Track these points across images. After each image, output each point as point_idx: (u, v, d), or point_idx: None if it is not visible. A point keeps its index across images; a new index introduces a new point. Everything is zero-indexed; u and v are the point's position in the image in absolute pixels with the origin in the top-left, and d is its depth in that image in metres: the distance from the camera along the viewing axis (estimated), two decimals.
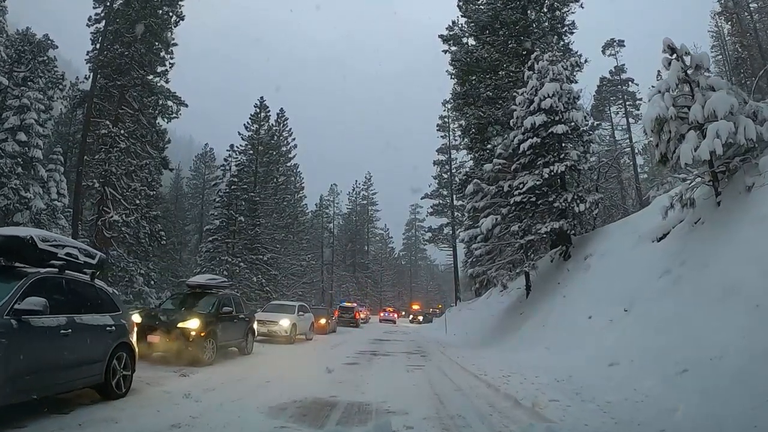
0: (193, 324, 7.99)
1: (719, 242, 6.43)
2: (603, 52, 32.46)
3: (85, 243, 19.24)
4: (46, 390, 4.26)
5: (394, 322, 35.88)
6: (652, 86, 8.39)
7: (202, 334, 8.02)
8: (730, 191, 7.18)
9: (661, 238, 8.62)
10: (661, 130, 7.42)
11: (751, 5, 25.08)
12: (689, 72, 7.69)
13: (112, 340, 5.14)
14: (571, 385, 5.96)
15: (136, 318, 8.13)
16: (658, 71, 28.64)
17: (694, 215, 7.65)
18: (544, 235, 13.19)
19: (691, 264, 6.66)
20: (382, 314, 38.84)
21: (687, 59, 7.75)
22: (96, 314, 5.05)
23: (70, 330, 4.49)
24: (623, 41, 32.57)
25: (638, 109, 31.97)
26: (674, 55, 7.77)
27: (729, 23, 26.83)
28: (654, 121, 7.31)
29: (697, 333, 5.22)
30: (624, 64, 32.54)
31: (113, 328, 5.19)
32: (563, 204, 12.70)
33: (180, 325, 7.97)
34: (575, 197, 12.78)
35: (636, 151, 28.92)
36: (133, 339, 5.70)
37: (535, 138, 13.08)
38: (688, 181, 7.90)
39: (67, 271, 4.84)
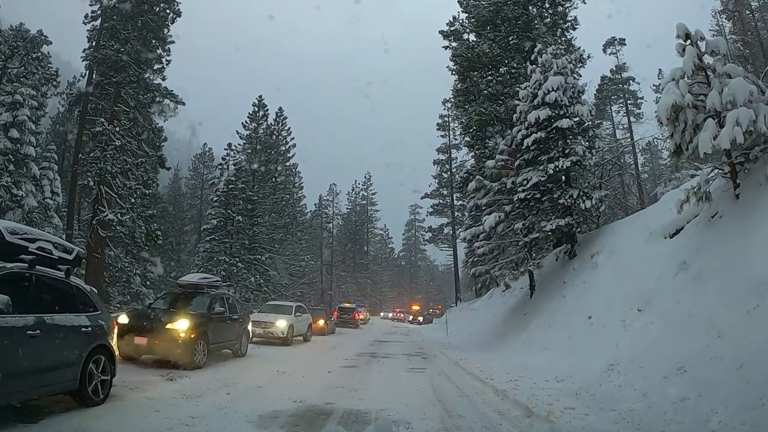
0: (182, 325, 7.59)
1: (740, 236, 6.03)
2: (604, 50, 32.09)
3: (81, 243, 19.07)
4: (10, 397, 3.85)
5: (402, 321, 43.50)
6: (660, 78, 8.01)
7: (192, 336, 7.62)
8: (749, 183, 6.78)
9: (674, 234, 8.21)
10: (676, 119, 7.02)
11: (752, 3, 24.77)
12: (704, 58, 7.31)
13: (89, 342, 4.74)
14: (586, 391, 5.55)
15: (123, 318, 7.77)
16: (660, 69, 28.45)
17: (710, 209, 7.25)
18: (549, 233, 12.77)
19: (711, 260, 6.25)
20: (392, 314, 48.20)
21: (702, 45, 7.36)
22: (70, 314, 4.65)
23: (38, 331, 4.08)
24: (624, 40, 32.20)
25: (639, 108, 31.66)
26: (688, 41, 7.38)
27: (730, 21, 26.52)
28: (670, 109, 6.90)
29: (728, 334, 4.81)
30: (625, 63, 32.20)
31: (89, 329, 4.79)
32: (569, 201, 12.30)
33: (169, 326, 7.58)
34: (581, 194, 12.39)
35: (638, 148, 28.62)
36: (113, 341, 5.29)
37: (539, 133, 12.68)
38: (705, 174, 7.49)
39: (37, 267, 4.44)
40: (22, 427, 3.91)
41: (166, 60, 23.38)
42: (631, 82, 31.96)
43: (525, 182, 12.70)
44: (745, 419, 3.61)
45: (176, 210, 41.62)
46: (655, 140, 25.85)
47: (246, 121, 33.08)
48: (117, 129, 20.57)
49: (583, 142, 12.96)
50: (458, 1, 22.38)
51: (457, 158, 40.17)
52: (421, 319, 41.62)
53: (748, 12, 25.19)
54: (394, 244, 65.18)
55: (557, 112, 12.55)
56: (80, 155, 21.19)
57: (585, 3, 20.76)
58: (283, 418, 4.66)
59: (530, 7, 20.39)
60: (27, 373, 3.96)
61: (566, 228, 12.44)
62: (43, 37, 23.46)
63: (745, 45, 24.95)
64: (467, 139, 24.20)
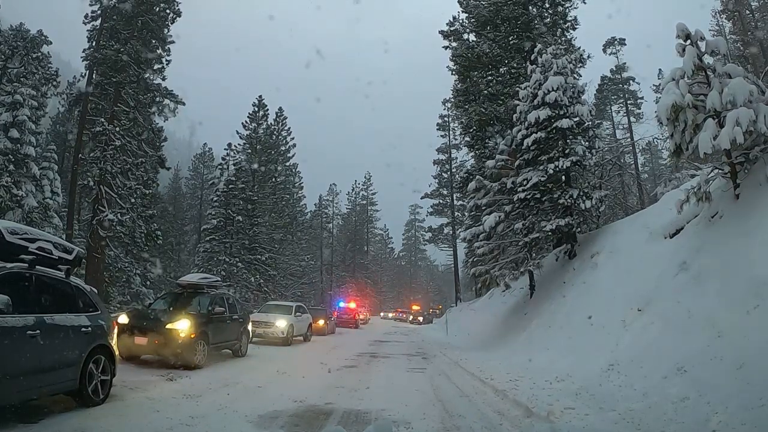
0: (182, 325, 7.60)
1: (740, 236, 6.03)
2: (604, 50, 32.06)
3: (81, 243, 19.06)
4: (10, 397, 3.85)
5: (405, 320, 43.76)
6: (660, 78, 8.02)
7: (192, 336, 7.62)
8: (749, 183, 6.78)
9: (674, 234, 8.21)
10: (676, 119, 7.02)
11: (752, 3, 24.77)
12: (704, 58, 7.31)
13: (89, 342, 4.74)
14: (586, 391, 5.55)
15: (123, 318, 7.77)
16: (660, 69, 28.44)
17: (710, 209, 7.25)
18: (549, 233, 12.78)
19: (711, 260, 6.25)
20: (394, 314, 49.02)
21: (702, 45, 7.36)
22: (70, 314, 4.65)
23: (38, 331, 4.09)
24: (624, 40, 32.17)
25: (639, 108, 31.67)
26: (688, 41, 7.39)
27: (730, 21, 26.51)
28: (670, 109, 6.91)
29: (728, 334, 4.81)
30: (625, 63, 32.18)
31: (89, 329, 4.79)
32: (569, 201, 12.30)
33: (169, 326, 7.58)
34: (581, 194, 12.39)
35: (638, 148, 28.62)
36: (113, 341, 5.29)
37: (539, 133, 12.69)
38: (705, 174, 7.50)
39: (37, 267, 4.44)
40: (22, 427, 3.91)
41: (166, 60, 23.40)
42: (631, 82, 31.94)
43: (525, 182, 12.70)
44: (745, 419, 3.61)
45: (176, 210, 41.64)
46: (655, 140, 25.83)
47: (246, 121, 33.11)
48: (117, 129, 20.57)
49: (583, 142, 12.96)
50: (458, 1, 22.38)
51: (457, 158, 40.21)
52: (421, 319, 41.68)
53: (748, 12, 25.18)
54: (394, 244, 65.26)
55: (557, 112, 12.55)
56: (80, 155, 21.19)
57: (585, 3, 20.78)
58: (283, 418, 4.66)
59: (530, 7, 20.40)
60: (27, 373, 3.96)
61: (566, 228, 12.44)
62: (43, 37, 23.47)
63: (745, 45, 24.94)
64: (467, 139, 24.19)
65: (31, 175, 18.97)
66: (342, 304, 30.32)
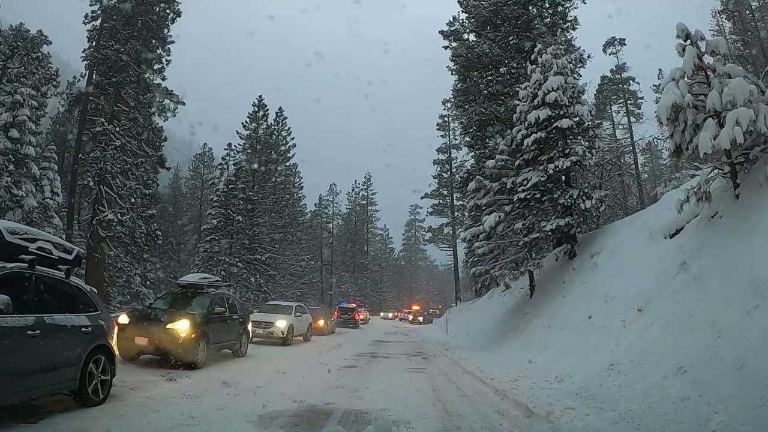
0: (182, 325, 7.60)
1: (741, 236, 6.04)
2: (604, 50, 32.08)
3: (81, 243, 19.04)
4: (10, 397, 3.85)
5: (408, 320, 44.69)
6: (660, 78, 8.01)
7: (192, 336, 7.62)
8: (749, 183, 6.78)
9: (674, 234, 8.21)
10: (676, 119, 7.02)
11: (752, 3, 24.79)
12: (704, 58, 7.31)
13: (88, 342, 4.74)
14: (586, 391, 5.55)
15: (123, 318, 7.77)
16: (660, 69, 28.45)
17: (710, 209, 7.25)
18: (549, 233, 12.78)
19: (711, 260, 6.25)
20: (400, 313, 50.70)
21: (702, 45, 7.36)
22: (70, 314, 4.65)
23: (38, 331, 4.08)
24: (624, 40, 32.18)
25: (639, 108, 31.69)
26: (688, 41, 7.39)
27: (730, 21, 26.51)
28: (670, 109, 6.91)
29: (728, 334, 4.80)
30: (625, 63, 32.19)
31: (89, 329, 4.78)
32: (569, 201, 12.30)
33: (169, 326, 7.58)
34: (581, 194, 12.39)
35: (638, 148, 28.63)
36: (113, 341, 5.29)
37: (539, 133, 12.69)
38: (705, 174, 7.50)
39: (37, 267, 4.44)
40: (22, 427, 3.91)
41: (166, 60, 23.42)
42: (631, 82, 31.94)
43: (525, 182, 12.70)
44: (745, 419, 3.61)
45: (176, 210, 41.65)
46: (655, 140, 25.82)
47: (246, 121, 33.14)
48: (117, 129, 20.58)
49: (583, 142, 12.95)
50: (458, 1, 22.40)
51: (457, 158, 40.27)
52: (421, 319, 41.74)
53: (748, 12, 25.18)
54: (394, 244, 65.34)
55: (557, 112, 12.55)
56: (80, 155, 21.21)
57: (585, 3, 20.79)
58: (283, 418, 4.66)
59: (530, 7, 20.42)
60: (27, 373, 3.95)
61: (566, 228, 12.44)
62: (43, 37, 23.48)
63: (745, 45, 24.92)
64: (467, 139, 24.20)
65: (31, 175, 18.98)
66: (345, 305, 30.46)
